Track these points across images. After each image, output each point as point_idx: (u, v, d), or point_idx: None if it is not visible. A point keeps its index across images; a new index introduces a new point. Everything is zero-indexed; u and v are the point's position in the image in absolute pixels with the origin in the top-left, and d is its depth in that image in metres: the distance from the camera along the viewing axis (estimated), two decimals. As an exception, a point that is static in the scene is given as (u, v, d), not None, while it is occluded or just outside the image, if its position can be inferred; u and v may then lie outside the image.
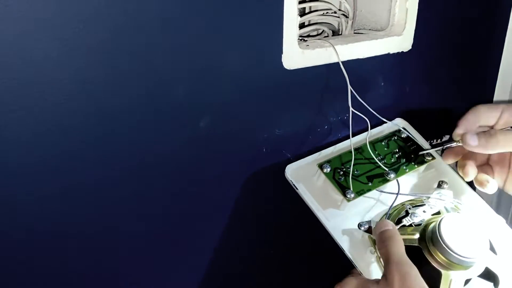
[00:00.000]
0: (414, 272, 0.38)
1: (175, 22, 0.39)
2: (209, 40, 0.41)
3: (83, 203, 0.41)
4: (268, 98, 0.47)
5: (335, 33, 0.56)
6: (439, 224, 0.43)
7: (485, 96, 0.66)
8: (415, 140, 0.53)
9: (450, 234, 0.42)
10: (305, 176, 0.49)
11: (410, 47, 0.53)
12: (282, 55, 0.45)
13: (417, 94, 0.58)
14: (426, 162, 0.51)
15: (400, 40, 0.52)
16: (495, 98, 0.66)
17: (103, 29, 0.36)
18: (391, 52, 0.52)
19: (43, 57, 0.35)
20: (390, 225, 0.43)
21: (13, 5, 0.33)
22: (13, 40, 0.34)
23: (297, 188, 0.48)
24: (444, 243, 0.42)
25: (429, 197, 0.48)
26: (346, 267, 0.46)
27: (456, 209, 0.48)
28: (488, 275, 0.44)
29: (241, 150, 0.48)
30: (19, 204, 0.39)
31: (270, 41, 0.44)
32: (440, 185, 0.51)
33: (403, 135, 0.53)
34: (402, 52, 0.53)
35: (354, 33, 0.56)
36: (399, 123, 0.54)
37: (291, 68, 0.46)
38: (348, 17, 0.54)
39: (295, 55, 0.46)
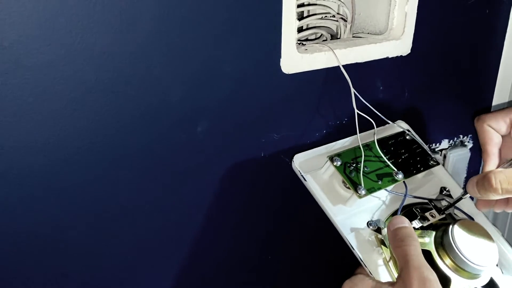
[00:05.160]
0: (434, 278, 0.37)
1: (172, 26, 0.39)
2: (207, 44, 0.41)
3: (82, 205, 0.41)
4: (266, 103, 0.47)
5: (334, 36, 0.56)
6: (452, 229, 0.42)
7: (484, 99, 0.66)
8: (421, 143, 0.52)
9: (463, 240, 0.42)
10: (313, 167, 0.48)
11: (409, 51, 0.53)
12: (281, 60, 0.45)
13: (416, 98, 0.57)
14: (431, 166, 0.50)
15: (399, 44, 0.52)
16: (494, 102, 0.66)
17: (96, 32, 0.36)
18: (389, 56, 0.52)
19: (35, 62, 0.35)
20: (406, 222, 0.41)
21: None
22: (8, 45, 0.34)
23: (305, 180, 0.47)
24: (457, 249, 0.41)
25: (438, 201, 0.48)
26: (346, 269, 0.46)
27: (457, 216, 0.48)
28: (491, 286, 0.44)
29: (238, 154, 0.47)
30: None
31: (268, 46, 0.44)
32: (442, 191, 0.50)
33: (408, 137, 0.52)
34: (401, 56, 0.53)
35: (353, 36, 0.55)
36: (402, 126, 0.53)
37: (290, 73, 0.46)
38: (346, 21, 0.54)
39: (294, 60, 0.45)
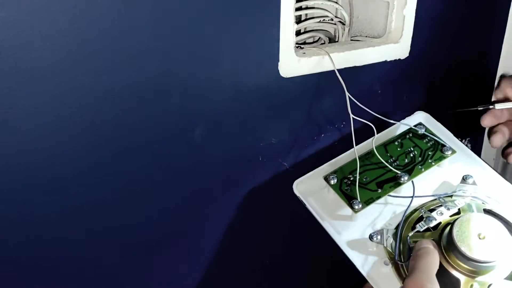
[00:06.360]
0: (430, 286, 0.36)
1: (170, 30, 0.39)
2: (205, 48, 0.41)
3: (83, 207, 0.41)
4: (264, 106, 0.46)
5: (332, 40, 0.56)
6: (451, 228, 0.40)
7: (482, 102, 0.66)
8: (431, 135, 0.49)
9: (465, 238, 0.39)
10: (314, 190, 0.47)
11: (407, 55, 0.53)
12: (279, 63, 0.45)
13: (414, 102, 0.57)
14: (445, 157, 0.47)
15: (397, 47, 0.52)
16: (492, 105, 0.66)
17: (95, 34, 0.36)
18: (388, 60, 0.52)
19: (32, 65, 0.35)
20: (431, 244, 0.40)
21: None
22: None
23: (305, 204, 0.46)
24: (458, 249, 0.39)
25: (451, 196, 0.45)
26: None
27: (482, 205, 0.44)
28: None
29: (236, 158, 0.47)
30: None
31: (266, 49, 0.44)
32: (464, 180, 0.46)
33: (420, 131, 0.49)
34: (399, 59, 0.53)
35: (351, 40, 0.55)
36: (418, 118, 0.51)
37: (288, 76, 0.46)
38: (344, 24, 0.54)
39: (292, 63, 0.45)
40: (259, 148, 0.48)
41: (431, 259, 0.39)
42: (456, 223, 0.40)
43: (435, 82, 0.59)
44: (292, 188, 0.47)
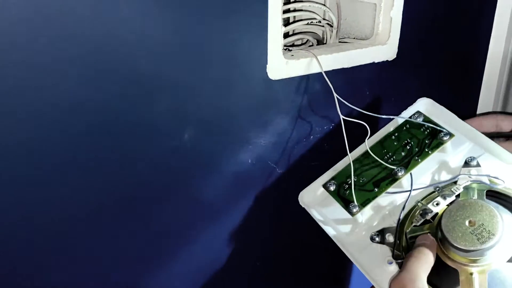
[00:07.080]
0: (413, 285, 0.36)
1: (157, 32, 0.39)
2: (193, 51, 0.41)
3: (76, 209, 0.41)
4: (253, 109, 0.47)
5: (320, 42, 0.56)
6: (439, 220, 0.39)
7: (469, 105, 0.67)
8: (428, 123, 0.46)
9: (454, 227, 0.38)
10: (318, 199, 0.47)
11: (395, 56, 0.53)
12: (267, 65, 0.45)
13: (403, 103, 0.57)
14: (443, 143, 0.45)
15: (384, 49, 0.52)
16: (479, 106, 0.66)
17: (85, 39, 0.36)
18: (376, 61, 0.52)
19: (20, 64, 0.34)
20: (429, 240, 0.39)
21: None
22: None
23: (311, 214, 0.46)
24: (448, 240, 0.38)
25: (455, 182, 0.42)
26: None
27: (485, 187, 0.41)
28: None
29: (225, 161, 0.47)
30: None
31: (254, 52, 0.44)
32: (467, 163, 0.43)
33: (417, 121, 0.47)
34: (387, 61, 0.53)
35: (339, 42, 0.56)
36: (416, 107, 0.49)
37: (276, 78, 0.46)
38: (332, 26, 0.54)
39: (280, 65, 0.45)
40: (248, 151, 0.48)
41: (422, 256, 0.38)
42: (444, 213, 0.39)
43: (422, 83, 0.59)
44: (282, 190, 0.47)
